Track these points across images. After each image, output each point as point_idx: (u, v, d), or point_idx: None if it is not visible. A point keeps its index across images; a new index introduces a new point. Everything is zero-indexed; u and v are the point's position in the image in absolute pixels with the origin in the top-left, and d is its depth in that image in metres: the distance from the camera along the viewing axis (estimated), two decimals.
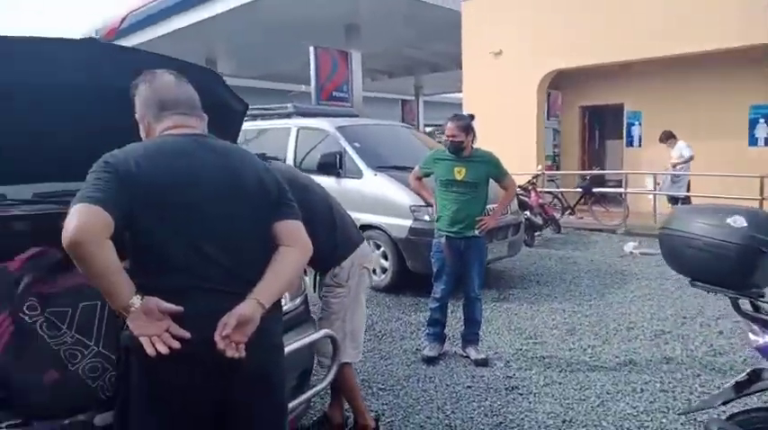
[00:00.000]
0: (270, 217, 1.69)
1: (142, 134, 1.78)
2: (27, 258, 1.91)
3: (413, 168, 4.25)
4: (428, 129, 22.26)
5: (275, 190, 1.72)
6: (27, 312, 1.73)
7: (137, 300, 1.46)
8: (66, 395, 1.66)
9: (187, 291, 1.53)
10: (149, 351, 1.43)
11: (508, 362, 3.80)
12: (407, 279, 5.43)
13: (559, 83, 11.73)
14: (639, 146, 11.15)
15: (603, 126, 12.37)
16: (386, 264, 5.58)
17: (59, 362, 1.70)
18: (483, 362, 3.73)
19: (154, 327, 1.45)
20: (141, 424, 1.55)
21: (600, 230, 8.87)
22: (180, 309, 1.49)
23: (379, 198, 5.57)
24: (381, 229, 5.54)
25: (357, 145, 6.07)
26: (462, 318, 3.99)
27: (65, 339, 1.75)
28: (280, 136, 6.68)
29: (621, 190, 9.29)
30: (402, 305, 5.17)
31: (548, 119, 11.89)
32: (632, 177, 9.55)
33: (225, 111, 2.63)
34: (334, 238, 2.66)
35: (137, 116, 1.76)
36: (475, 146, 3.86)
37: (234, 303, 1.54)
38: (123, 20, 15.59)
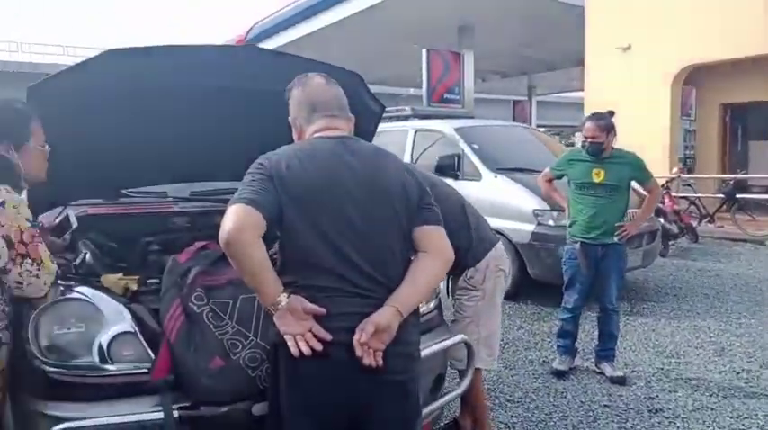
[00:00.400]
0: (411, 221, 1.67)
1: (294, 136, 1.84)
2: (194, 251, 2.04)
3: (535, 170, 4.08)
4: (541, 131, 21.41)
5: (417, 194, 1.70)
6: (195, 301, 1.85)
7: (283, 298, 1.52)
8: (229, 382, 1.74)
9: (330, 293, 1.56)
10: (293, 350, 1.50)
11: (649, 381, 3.50)
12: (528, 286, 5.23)
13: (694, 78, 10.78)
14: None
15: (748, 125, 11.18)
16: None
17: (223, 350, 1.79)
18: (620, 380, 3.47)
19: (298, 326, 1.51)
20: (289, 416, 1.60)
21: (744, 241, 8.03)
22: (323, 310, 1.53)
23: (499, 201, 5.41)
24: (501, 234, 5.38)
25: (476, 146, 5.96)
26: (592, 330, 3.75)
27: (226, 329, 1.84)
28: (397, 138, 6.73)
29: None
30: (523, 313, 4.98)
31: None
32: None
33: (364, 113, 2.67)
34: (468, 239, 2.59)
35: (290, 119, 1.83)
36: (615, 146, 3.61)
37: (373, 308, 1.56)
38: (249, 31, 16.67)
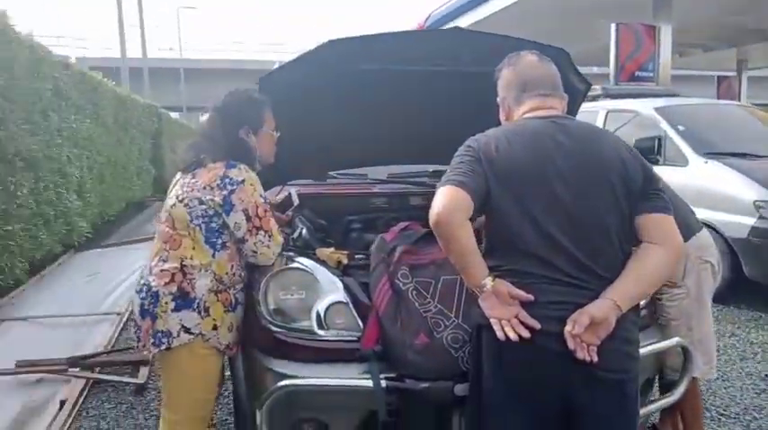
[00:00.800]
0: (634, 207, 1.54)
1: (501, 117, 1.80)
2: (398, 231, 2.13)
3: (756, 156, 3.49)
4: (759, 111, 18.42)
5: (640, 178, 1.56)
6: (401, 279, 1.92)
7: (489, 281, 1.51)
8: (433, 359, 1.79)
9: (537, 279, 1.51)
10: (499, 334, 1.47)
11: None
12: (743, 288, 4.57)
13: None
14: None
15: None
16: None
17: (427, 327, 1.84)
18: None
19: (504, 310, 1.49)
20: (491, 399, 1.58)
21: None
22: (530, 297, 1.49)
23: (709, 189, 4.78)
24: (712, 227, 4.76)
25: (681, 128, 5.33)
26: None
27: (429, 307, 1.89)
28: (585, 120, 6.30)
29: None
30: (735, 319, 4.37)
31: None
32: None
33: (569, 91, 2.54)
34: None
35: (498, 99, 1.79)
36: None
37: (584, 298, 1.47)
38: (427, 19, 16.94)
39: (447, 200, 1.50)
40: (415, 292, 1.90)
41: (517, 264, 1.54)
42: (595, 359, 1.43)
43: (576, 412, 1.53)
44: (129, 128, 9.97)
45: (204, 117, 2.22)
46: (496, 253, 1.58)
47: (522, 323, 1.48)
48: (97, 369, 3.44)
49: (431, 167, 2.96)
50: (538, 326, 1.47)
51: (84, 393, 3.19)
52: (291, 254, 2.15)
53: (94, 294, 4.89)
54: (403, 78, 2.38)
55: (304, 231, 2.41)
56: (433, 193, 2.81)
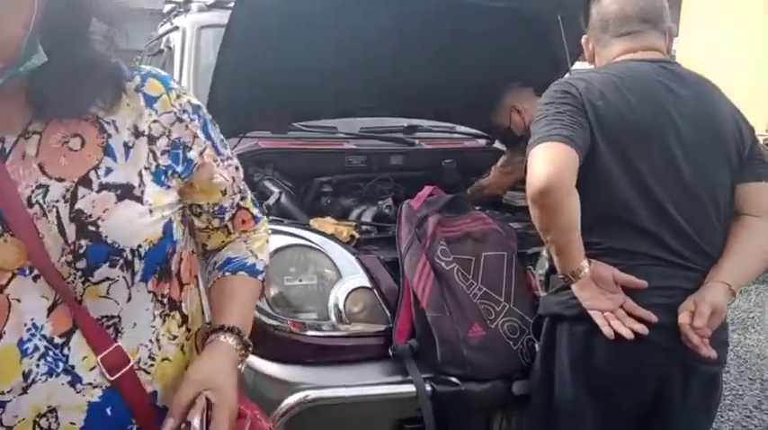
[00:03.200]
0: (739, 175, 1.33)
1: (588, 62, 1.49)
2: (425, 196, 1.73)
3: None
4: None
5: (750, 141, 1.35)
6: (441, 257, 1.55)
7: (586, 265, 1.22)
8: (491, 354, 1.47)
9: (645, 261, 1.25)
10: (606, 331, 1.19)
11: None
12: None
13: None
14: None
15: None
16: None
17: (480, 316, 1.50)
18: None
19: (606, 300, 1.22)
20: (566, 405, 1.32)
21: None
22: (643, 283, 1.22)
23: None
24: None
25: None
26: None
27: (474, 291, 1.55)
28: None
29: None
30: None
31: None
32: None
33: None
34: None
35: (582, 39, 1.47)
36: None
37: (690, 282, 1.25)
38: None
39: (556, 159, 1.17)
40: (460, 273, 1.54)
41: (622, 242, 1.27)
42: (715, 355, 1.21)
43: (662, 407, 1.31)
44: None
45: None
46: (596, 228, 1.27)
47: (630, 316, 1.21)
48: None
49: (405, 122, 2.56)
50: (654, 318, 1.21)
51: None
52: (283, 226, 1.65)
53: None
54: (399, 6, 1.94)
55: (283, 197, 1.91)
56: (415, 153, 2.49)
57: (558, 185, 1.15)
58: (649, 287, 1.23)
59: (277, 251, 1.50)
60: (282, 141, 2.31)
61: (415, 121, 2.61)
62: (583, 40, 1.47)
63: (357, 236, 1.65)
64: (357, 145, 2.39)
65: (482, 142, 2.83)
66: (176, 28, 3.03)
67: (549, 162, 1.16)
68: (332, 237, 1.60)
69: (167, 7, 3.69)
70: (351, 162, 2.35)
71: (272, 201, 1.90)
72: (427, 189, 1.75)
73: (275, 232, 1.56)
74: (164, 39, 3.37)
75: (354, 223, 1.73)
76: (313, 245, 1.54)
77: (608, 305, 1.22)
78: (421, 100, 2.44)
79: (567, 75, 2.47)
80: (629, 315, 1.21)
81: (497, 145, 2.82)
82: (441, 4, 1.98)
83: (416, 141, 2.53)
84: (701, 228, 1.27)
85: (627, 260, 1.25)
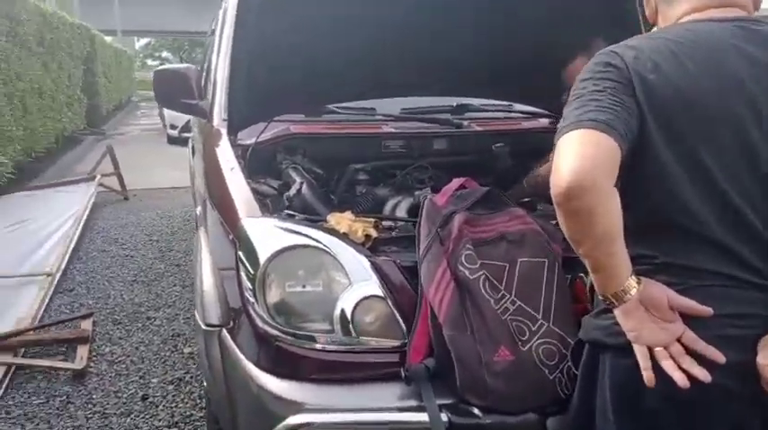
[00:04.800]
0: None
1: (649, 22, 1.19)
2: (454, 191, 1.50)
3: None
4: None
5: None
6: (466, 264, 1.32)
7: (633, 284, 0.94)
8: (520, 383, 1.23)
9: (714, 281, 0.97)
10: (647, 377, 0.95)
11: None
12: None
13: None
14: None
15: None
16: None
17: (509, 336, 1.27)
18: None
19: (660, 332, 0.96)
20: None
21: None
22: (708, 310, 0.94)
23: None
24: None
25: None
26: None
27: (505, 305, 1.31)
28: None
29: None
30: None
31: None
32: None
33: None
34: None
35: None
36: None
37: None
38: None
39: (589, 151, 0.91)
40: (487, 284, 1.31)
41: (681, 255, 1.00)
42: None
43: None
44: (57, 51, 8.64)
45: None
46: (647, 236, 1.00)
47: (689, 353, 0.94)
48: (22, 350, 2.73)
49: (454, 101, 2.32)
50: (722, 358, 0.94)
51: (5, 384, 2.50)
52: (292, 223, 1.49)
53: (18, 248, 4.05)
54: None
55: (304, 188, 1.74)
56: (462, 136, 2.24)
57: (589, 185, 0.89)
58: (716, 314, 0.95)
59: (280, 252, 1.34)
60: (315, 125, 2.15)
61: (465, 100, 2.35)
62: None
63: (375, 235, 1.45)
64: (396, 128, 2.18)
65: (545, 121, 2.52)
66: (224, 7, 2.95)
67: (577, 155, 0.90)
68: (344, 236, 1.41)
69: None
70: (389, 146, 2.15)
71: (292, 191, 1.75)
72: (456, 181, 1.52)
73: (281, 229, 1.41)
74: (216, 19, 3.31)
75: (375, 219, 1.53)
76: (320, 246, 1.37)
77: (660, 338, 0.96)
78: (473, 75, 2.19)
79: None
80: (688, 352, 0.95)
81: None
82: None
83: (465, 122, 2.27)
84: None
85: (687, 279, 0.98)
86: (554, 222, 1.54)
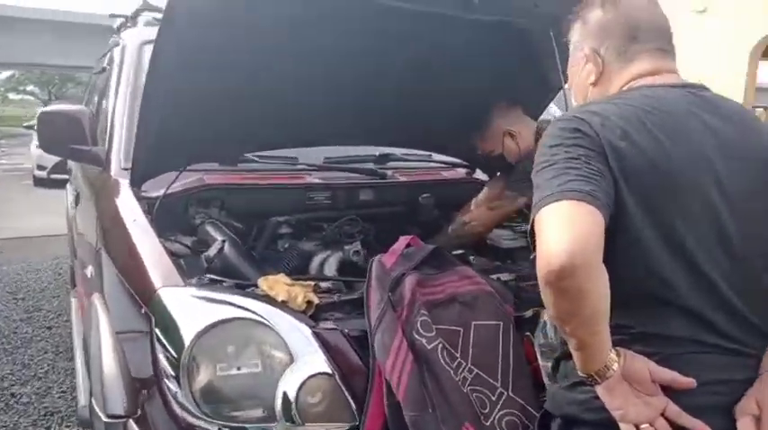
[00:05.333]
0: None
1: (582, 82, 1.16)
2: (401, 250, 1.39)
3: None
4: None
5: None
6: (423, 332, 1.21)
7: (614, 358, 0.91)
8: None
9: (690, 349, 0.95)
10: None
11: None
12: None
13: None
14: None
15: None
16: None
17: (471, 410, 1.16)
18: None
19: (644, 408, 0.92)
20: None
21: None
22: (691, 381, 0.92)
23: None
24: None
25: None
26: None
27: (463, 374, 1.22)
28: None
29: None
30: None
31: None
32: None
33: None
34: None
35: (579, 55, 1.16)
36: None
37: (743, 371, 0.97)
38: None
39: (579, 226, 0.85)
40: (445, 353, 1.21)
41: (657, 324, 0.96)
42: None
43: None
44: None
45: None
46: (622, 306, 0.96)
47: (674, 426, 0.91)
48: None
49: (377, 151, 2.25)
50: (707, 429, 0.89)
51: None
52: (220, 292, 1.30)
53: None
54: (366, 18, 1.63)
55: (227, 246, 1.55)
56: (387, 186, 2.17)
57: (582, 263, 0.83)
58: (700, 383, 0.92)
59: (208, 329, 1.15)
60: (232, 175, 1.97)
61: (387, 150, 2.30)
62: (584, 51, 1.13)
63: (317, 301, 1.31)
64: (321, 178, 2.06)
65: (462, 172, 2.53)
66: (117, 44, 2.71)
67: (568, 231, 0.85)
68: (283, 305, 1.25)
69: (117, 22, 3.38)
70: (313, 198, 2.01)
71: (212, 251, 1.55)
72: (403, 240, 1.42)
73: (207, 300, 1.22)
74: (107, 56, 3.03)
75: (314, 281, 1.38)
76: (257, 318, 1.19)
77: (646, 414, 0.91)
78: (395, 124, 2.14)
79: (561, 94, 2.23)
80: (673, 426, 0.90)
81: (478, 174, 2.55)
82: (418, 17, 1.67)
83: (389, 173, 2.21)
84: (754, 301, 0.98)
85: (664, 348, 0.95)
86: (497, 278, 1.52)
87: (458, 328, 1.27)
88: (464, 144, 2.24)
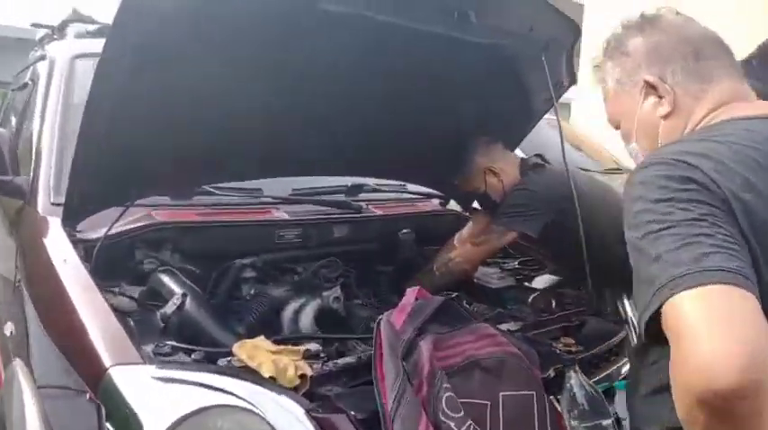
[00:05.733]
0: None
1: (648, 118, 0.96)
2: (411, 305, 1.16)
3: None
4: None
5: None
6: (450, 413, 0.99)
7: None
8: None
9: None
10: None
11: None
12: None
13: None
14: None
15: None
16: None
17: None
18: None
19: None
20: None
21: None
22: None
23: None
24: None
25: None
26: None
27: None
28: None
29: None
30: None
31: None
32: None
33: None
34: None
35: (634, 91, 0.97)
36: None
37: None
38: None
39: (746, 327, 0.64)
40: None
41: None
42: None
43: None
44: None
45: None
46: None
47: None
48: None
49: (348, 181, 2.03)
50: None
51: None
52: (190, 369, 1.03)
53: None
54: (342, 35, 1.42)
55: (189, 302, 1.27)
56: (363, 222, 1.95)
57: (760, 378, 0.61)
58: None
59: (180, 423, 0.88)
60: (186, 211, 1.68)
61: (359, 180, 2.08)
62: (640, 85, 0.94)
63: (310, 372, 1.06)
64: (290, 212, 1.81)
65: (436, 202, 2.36)
66: (43, 57, 2.35)
67: (730, 332, 0.63)
68: (270, 382, 1.00)
69: (39, 33, 3.00)
70: (283, 236, 1.76)
71: (170, 308, 1.26)
72: (411, 293, 1.20)
73: (174, 382, 0.95)
74: (30, 70, 2.65)
75: (304, 346, 1.13)
76: (241, 403, 0.93)
77: None
78: (369, 153, 1.93)
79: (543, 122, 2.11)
80: None
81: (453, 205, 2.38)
82: (404, 34, 1.48)
83: (363, 205, 1.99)
84: None
85: None
86: (508, 330, 1.33)
87: (484, 402, 1.06)
88: (442, 174, 2.08)
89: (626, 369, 1.52)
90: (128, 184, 1.51)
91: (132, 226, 1.53)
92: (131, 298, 1.38)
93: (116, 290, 1.39)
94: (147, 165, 1.50)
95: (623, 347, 1.57)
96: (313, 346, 1.22)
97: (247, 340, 1.14)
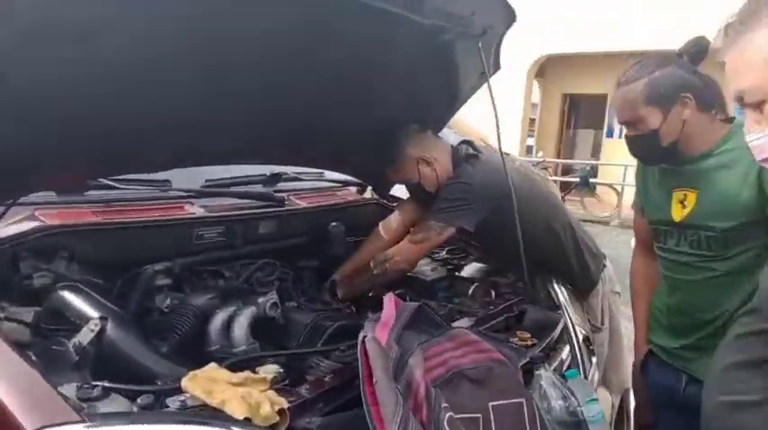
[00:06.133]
0: None
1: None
2: (393, 315, 1.03)
3: None
4: None
5: None
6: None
7: None
8: None
9: None
10: None
11: None
12: None
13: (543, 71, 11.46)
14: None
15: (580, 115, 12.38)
16: None
17: None
18: None
19: None
20: None
21: (591, 221, 8.35)
22: None
23: None
24: None
25: None
26: None
27: None
28: None
29: None
30: None
31: None
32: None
33: None
34: (583, 261, 1.91)
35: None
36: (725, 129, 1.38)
37: None
38: None
39: None
40: None
41: None
42: None
43: None
44: None
45: None
46: None
47: None
48: None
49: (266, 170, 1.82)
50: None
51: None
52: (129, 421, 0.82)
53: None
54: (265, 7, 1.23)
55: (110, 327, 1.02)
56: (291, 215, 1.78)
57: None
58: None
59: None
60: (82, 209, 1.37)
61: (277, 168, 1.89)
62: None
63: (286, 405, 0.89)
64: (207, 208, 1.57)
65: (353, 190, 2.24)
66: None
67: None
68: (245, 425, 0.82)
69: None
70: (202, 236, 1.52)
71: (86, 336, 1.01)
72: (390, 304, 1.07)
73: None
74: None
75: (274, 371, 0.96)
76: None
77: None
78: (291, 139, 1.74)
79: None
80: None
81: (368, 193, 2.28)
82: (338, 9, 1.31)
83: (285, 196, 1.81)
84: None
85: None
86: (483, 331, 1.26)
87: (476, 415, 0.98)
88: (368, 163, 1.96)
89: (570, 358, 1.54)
90: (8, 179, 1.18)
91: (14, 231, 1.21)
92: (22, 322, 1.09)
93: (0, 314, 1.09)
94: (33, 153, 1.19)
95: (563, 334, 1.59)
96: (271, 368, 1.06)
97: (197, 371, 0.94)
